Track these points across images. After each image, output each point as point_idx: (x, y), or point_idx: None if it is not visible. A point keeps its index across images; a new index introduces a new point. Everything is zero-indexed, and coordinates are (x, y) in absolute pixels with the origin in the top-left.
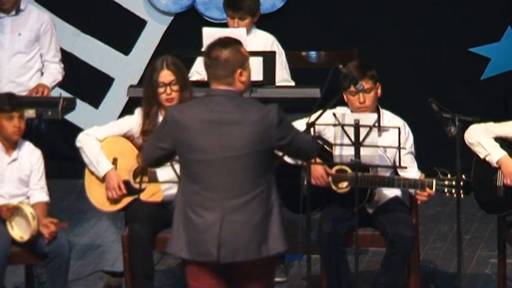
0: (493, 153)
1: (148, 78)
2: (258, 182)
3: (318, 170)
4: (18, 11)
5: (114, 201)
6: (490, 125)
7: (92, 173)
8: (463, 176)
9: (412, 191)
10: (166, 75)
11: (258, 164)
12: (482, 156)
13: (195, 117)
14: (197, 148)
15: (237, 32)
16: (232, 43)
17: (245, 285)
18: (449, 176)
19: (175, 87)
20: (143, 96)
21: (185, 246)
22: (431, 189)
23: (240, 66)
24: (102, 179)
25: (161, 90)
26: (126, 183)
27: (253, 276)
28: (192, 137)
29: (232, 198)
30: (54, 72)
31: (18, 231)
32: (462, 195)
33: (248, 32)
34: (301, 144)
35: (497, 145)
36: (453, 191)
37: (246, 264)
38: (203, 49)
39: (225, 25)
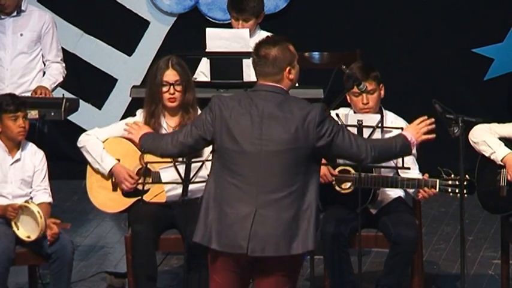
0: (498, 151)
1: (153, 77)
2: (294, 180)
3: (321, 169)
4: (19, 11)
5: (128, 194)
6: (494, 126)
7: (96, 172)
8: (467, 176)
9: (412, 191)
10: (170, 75)
11: (296, 161)
12: (487, 155)
13: (239, 109)
14: (237, 139)
15: (240, 32)
16: (281, 41)
17: (270, 282)
18: (452, 175)
19: (178, 88)
20: (146, 95)
21: (215, 237)
22: (435, 189)
23: (289, 63)
24: (108, 176)
25: (164, 89)
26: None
27: (277, 275)
28: (233, 127)
29: (267, 192)
30: (55, 73)
31: (24, 231)
32: (466, 195)
33: (252, 33)
34: (346, 145)
35: (502, 144)
36: (457, 190)
37: (273, 260)
38: (207, 50)
39: (228, 26)
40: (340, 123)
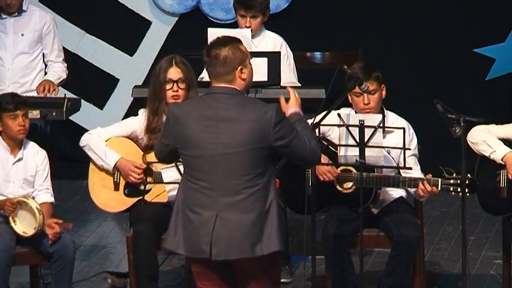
0: (498, 150)
1: (156, 75)
2: (255, 181)
3: (324, 167)
4: (20, 11)
5: (130, 194)
6: (492, 127)
7: (100, 169)
8: (468, 175)
9: (413, 191)
10: (174, 72)
11: (255, 162)
12: (487, 154)
13: (194, 114)
14: (194, 145)
15: (242, 32)
16: (231, 41)
17: (247, 285)
18: (454, 175)
19: (182, 85)
20: (150, 93)
21: (182, 242)
22: (437, 188)
23: (241, 63)
24: (113, 170)
25: (168, 86)
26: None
27: (253, 276)
28: (190, 133)
29: (228, 195)
30: (59, 70)
31: (21, 226)
32: (468, 194)
33: (258, 32)
34: (301, 148)
35: (502, 143)
36: (458, 189)
37: (243, 263)
38: None
39: (230, 26)
40: (342, 123)
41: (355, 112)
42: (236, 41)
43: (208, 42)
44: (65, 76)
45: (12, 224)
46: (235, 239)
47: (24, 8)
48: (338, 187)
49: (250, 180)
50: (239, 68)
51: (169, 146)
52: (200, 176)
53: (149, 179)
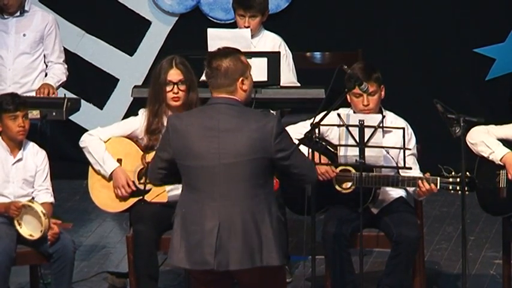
0: (497, 151)
1: (156, 76)
2: (255, 191)
3: (322, 167)
4: (22, 12)
5: (121, 199)
6: (491, 127)
7: (98, 172)
8: (467, 173)
9: (412, 190)
10: (174, 74)
11: (255, 172)
12: (486, 155)
13: (194, 124)
14: (195, 155)
15: (241, 32)
16: (233, 52)
17: None
18: (453, 173)
19: (182, 87)
20: (149, 95)
21: (185, 256)
22: (436, 186)
23: (242, 74)
24: (109, 178)
25: (168, 88)
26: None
27: (256, 287)
28: (190, 143)
29: (229, 205)
30: (59, 73)
31: (27, 229)
32: (467, 192)
33: (257, 32)
34: (300, 162)
35: (501, 143)
36: (458, 188)
37: (243, 274)
38: (209, 50)
39: (229, 26)
40: (342, 123)
41: (354, 112)
42: (237, 52)
43: (208, 43)
44: (64, 78)
45: (18, 227)
46: (236, 249)
47: (26, 8)
48: (337, 187)
49: (251, 190)
50: (240, 79)
51: (166, 162)
52: (201, 187)
53: None
